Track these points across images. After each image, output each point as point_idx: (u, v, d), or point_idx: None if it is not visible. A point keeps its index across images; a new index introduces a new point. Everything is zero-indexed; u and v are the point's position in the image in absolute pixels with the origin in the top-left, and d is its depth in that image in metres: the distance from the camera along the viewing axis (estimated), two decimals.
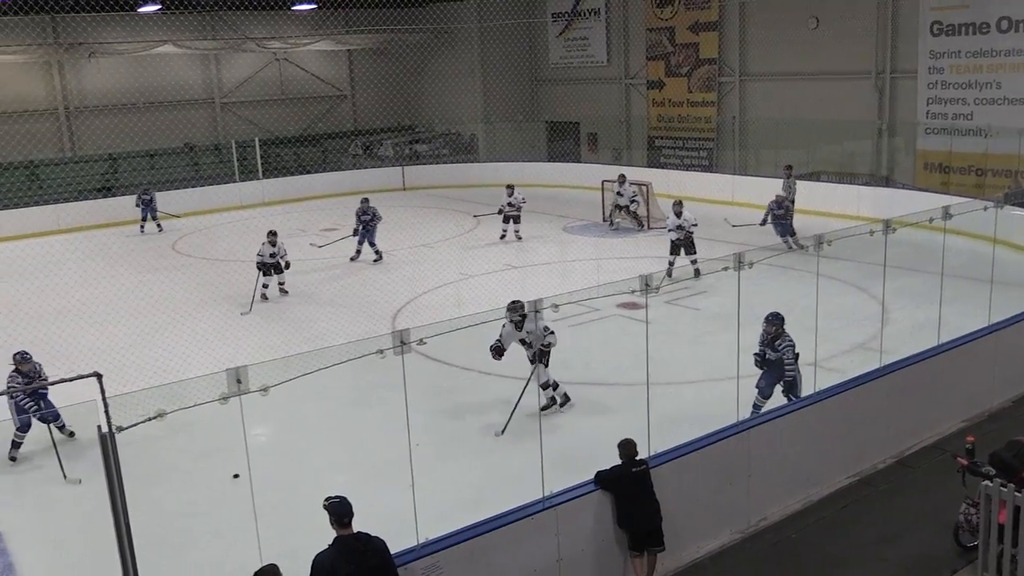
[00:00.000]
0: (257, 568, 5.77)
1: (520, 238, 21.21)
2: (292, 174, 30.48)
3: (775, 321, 9.72)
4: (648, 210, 22.17)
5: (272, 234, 16.99)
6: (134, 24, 29.96)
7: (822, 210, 22.08)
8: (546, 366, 10.77)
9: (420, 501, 6.62)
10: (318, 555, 5.77)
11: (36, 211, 25.50)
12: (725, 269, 8.49)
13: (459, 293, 16.77)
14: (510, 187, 21.25)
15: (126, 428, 5.38)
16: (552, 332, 10.68)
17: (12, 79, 29.30)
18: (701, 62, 28.83)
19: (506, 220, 21.15)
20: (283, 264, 17.03)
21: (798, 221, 20.75)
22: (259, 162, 29.72)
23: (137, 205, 24.85)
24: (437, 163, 32.92)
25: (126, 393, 5.44)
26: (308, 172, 30.75)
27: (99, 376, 5.52)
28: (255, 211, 27.32)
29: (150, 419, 5.46)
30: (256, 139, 30.20)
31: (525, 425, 10.13)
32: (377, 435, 10.23)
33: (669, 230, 17.18)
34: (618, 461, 7.41)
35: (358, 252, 19.85)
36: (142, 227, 24.91)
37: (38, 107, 30.10)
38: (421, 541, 6.49)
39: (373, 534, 5.97)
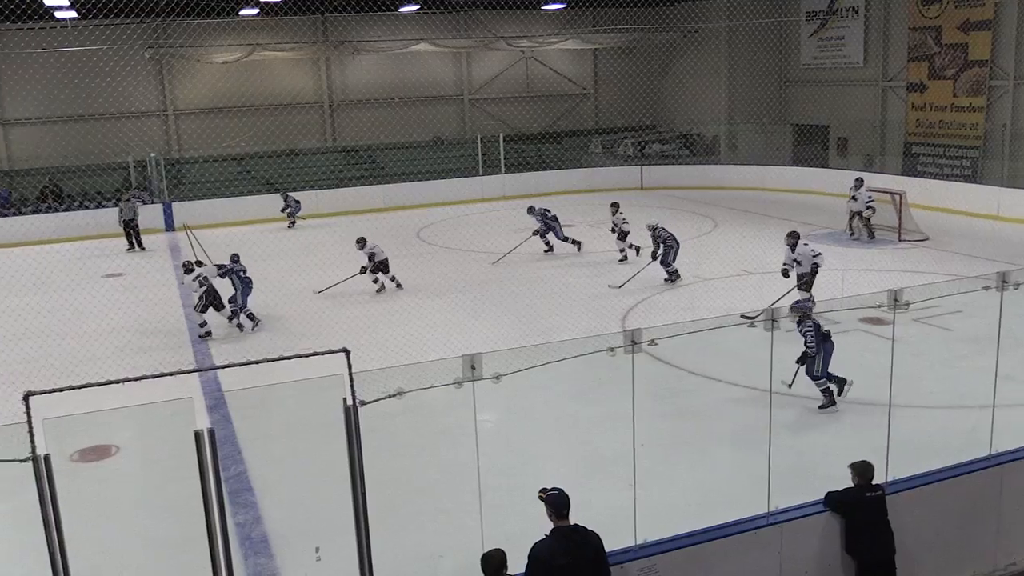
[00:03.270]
0: (482, 550, 5.94)
1: (638, 254, 19.03)
2: (533, 170, 31.17)
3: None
4: (900, 221, 20.87)
5: (358, 241, 17.50)
6: (394, 23, 31.79)
7: None
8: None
9: (640, 501, 6.58)
10: (536, 544, 5.85)
11: (299, 195, 27.58)
12: (986, 289, 7.82)
13: (692, 296, 16.51)
14: (615, 204, 19.62)
15: (368, 403, 5.70)
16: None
17: (286, 74, 32.00)
18: (970, 64, 26.70)
19: (621, 237, 19.38)
20: (367, 267, 17.27)
21: None
22: (502, 157, 30.61)
23: (287, 206, 25.61)
24: (676, 163, 32.56)
25: (370, 370, 5.77)
26: (548, 168, 31.32)
27: (347, 352, 5.87)
28: (495, 204, 28.27)
29: (390, 396, 5.77)
30: (500, 135, 31.10)
31: (752, 435, 9.83)
32: (601, 432, 10.28)
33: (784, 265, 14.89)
34: (851, 483, 7.04)
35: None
36: (292, 223, 25.72)
37: (306, 100, 32.63)
38: (639, 542, 6.46)
39: (589, 528, 5.99)
